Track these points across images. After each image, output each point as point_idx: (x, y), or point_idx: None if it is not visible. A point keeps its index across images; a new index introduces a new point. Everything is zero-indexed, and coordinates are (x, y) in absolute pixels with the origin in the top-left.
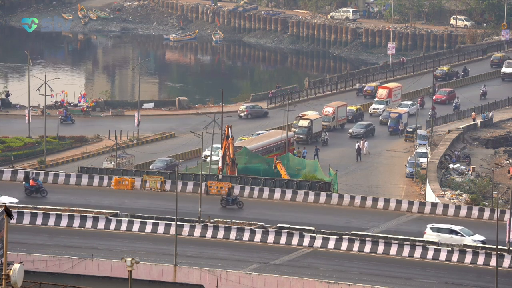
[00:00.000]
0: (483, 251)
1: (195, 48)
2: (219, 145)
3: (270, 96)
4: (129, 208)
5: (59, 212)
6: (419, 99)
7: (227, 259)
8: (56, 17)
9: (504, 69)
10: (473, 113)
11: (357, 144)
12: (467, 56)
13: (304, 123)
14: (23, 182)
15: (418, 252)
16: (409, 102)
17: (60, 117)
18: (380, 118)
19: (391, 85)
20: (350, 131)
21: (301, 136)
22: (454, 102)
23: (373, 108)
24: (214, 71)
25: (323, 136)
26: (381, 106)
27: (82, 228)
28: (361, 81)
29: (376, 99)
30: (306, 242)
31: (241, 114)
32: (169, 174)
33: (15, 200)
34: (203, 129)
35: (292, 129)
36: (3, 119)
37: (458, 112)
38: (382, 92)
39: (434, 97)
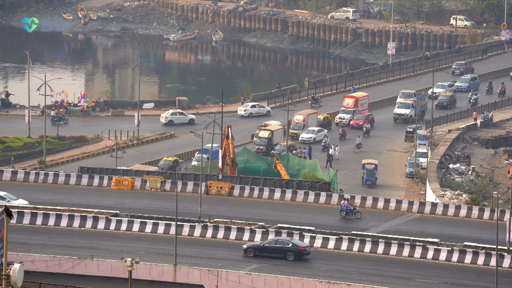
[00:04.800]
0: (483, 251)
1: (195, 48)
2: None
3: (242, 101)
4: (129, 208)
5: (59, 212)
6: (340, 130)
7: (227, 259)
8: (56, 17)
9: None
10: (474, 112)
11: (330, 150)
12: (467, 56)
13: (264, 134)
14: None
15: (418, 252)
16: (316, 128)
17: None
18: (271, 151)
19: (358, 94)
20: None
21: (261, 147)
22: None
23: (339, 118)
24: (214, 71)
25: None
26: (347, 116)
27: (82, 228)
28: None
29: (343, 108)
30: (306, 242)
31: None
32: (169, 174)
33: None
34: (203, 129)
35: (254, 138)
36: (3, 119)
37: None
38: (348, 102)
39: (351, 122)
